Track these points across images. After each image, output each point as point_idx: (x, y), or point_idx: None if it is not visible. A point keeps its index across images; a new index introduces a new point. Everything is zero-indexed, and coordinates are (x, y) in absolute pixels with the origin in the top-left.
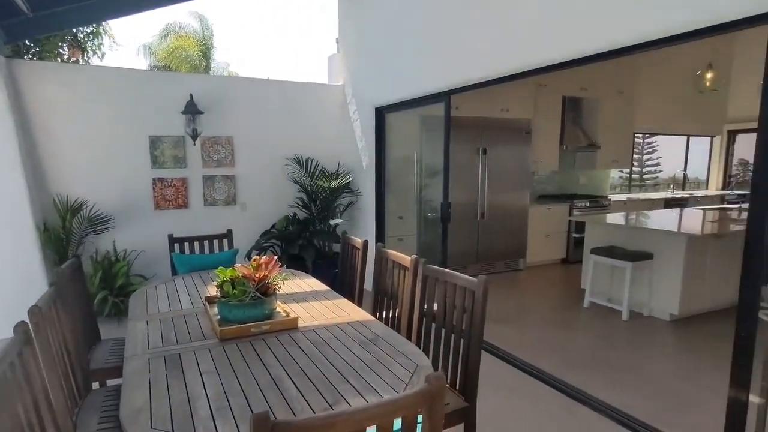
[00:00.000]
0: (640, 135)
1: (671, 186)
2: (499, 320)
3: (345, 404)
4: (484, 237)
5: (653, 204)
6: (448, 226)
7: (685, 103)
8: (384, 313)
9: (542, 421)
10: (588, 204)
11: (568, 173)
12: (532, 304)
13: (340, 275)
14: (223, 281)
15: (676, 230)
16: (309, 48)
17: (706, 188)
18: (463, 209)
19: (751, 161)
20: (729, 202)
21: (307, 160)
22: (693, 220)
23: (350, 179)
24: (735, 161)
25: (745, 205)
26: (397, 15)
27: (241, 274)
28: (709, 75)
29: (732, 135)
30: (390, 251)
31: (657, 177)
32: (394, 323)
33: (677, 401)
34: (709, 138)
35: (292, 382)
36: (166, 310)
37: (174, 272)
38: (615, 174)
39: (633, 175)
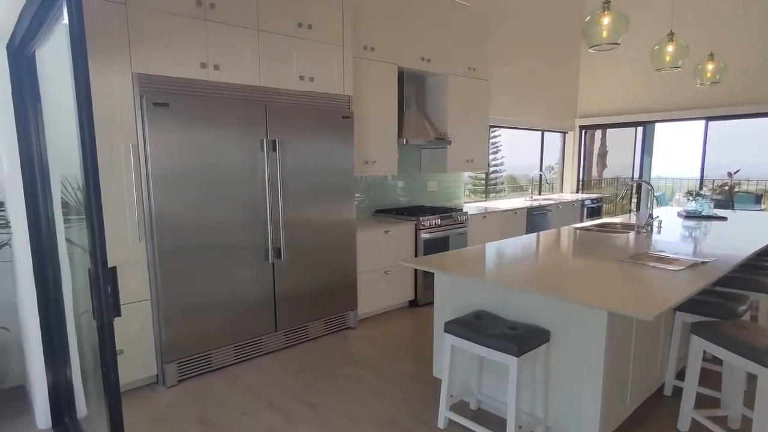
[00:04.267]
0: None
1: (530, 190)
2: None
3: None
4: (284, 287)
5: (517, 216)
6: (112, 321)
7: (543, 91)
8: None
9: None
10: (440, 221)
11: (412, 178)
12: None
13: None
14: None
15: (587, 300)
16: None
17: (561, 191)
18: (243, 245)
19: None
20: (588, 210)
21: None
22: (592, 264)
23: None
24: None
25: (638, 222)
26: None
27: None
28: (710, 66)
29: (583, 131)
30: None
31: (501, 178)
32: None
33: None
34: (562, 134)
35: None
36: None
37: None
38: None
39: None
